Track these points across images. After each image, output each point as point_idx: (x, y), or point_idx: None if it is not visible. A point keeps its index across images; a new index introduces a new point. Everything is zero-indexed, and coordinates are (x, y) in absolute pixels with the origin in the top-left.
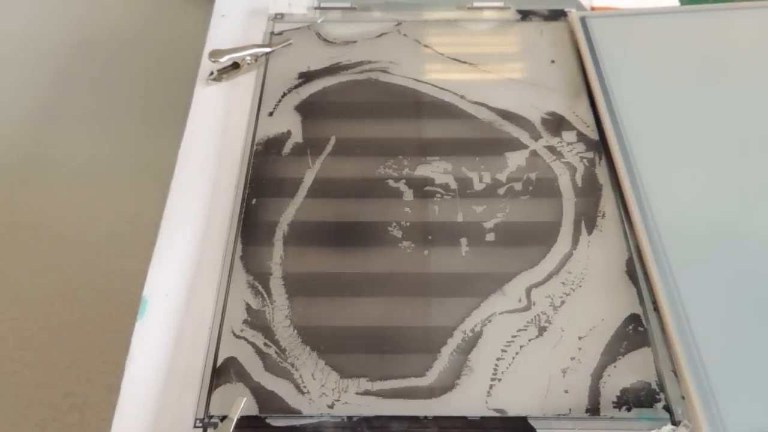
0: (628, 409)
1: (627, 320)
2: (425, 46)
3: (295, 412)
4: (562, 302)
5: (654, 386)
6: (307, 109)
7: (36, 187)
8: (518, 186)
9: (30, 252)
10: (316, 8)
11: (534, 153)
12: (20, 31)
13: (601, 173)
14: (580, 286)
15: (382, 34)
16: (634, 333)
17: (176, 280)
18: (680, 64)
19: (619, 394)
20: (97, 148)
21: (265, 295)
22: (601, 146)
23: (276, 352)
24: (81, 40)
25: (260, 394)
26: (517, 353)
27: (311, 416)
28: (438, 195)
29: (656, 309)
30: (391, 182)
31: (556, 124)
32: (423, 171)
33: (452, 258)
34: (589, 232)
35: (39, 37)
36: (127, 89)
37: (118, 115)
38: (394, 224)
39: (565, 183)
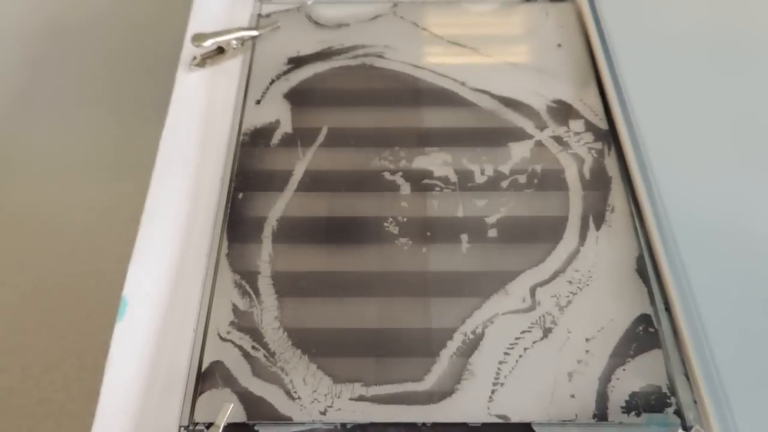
0: (638, 415)
1: (637, 321)
2: (423, 29)
3: (285, 419)
4: (569, 302)
5: (665, 390)
6: (296, 97)
7: (4, 180)
8: (522, 179)
9: None
10: None
11: (539, 143)
12: None
13: (611, 165)
14: (587, 285)
15: (376, 17)
16: (644, 334)
17: (158, 280)
18: (694, 49)
19: (628, 398)
20: (72, 138)
21: (253, 295)
22: (610, 136)
23: (265, 356)
24: (53, 22)
25: (248, 400)
26: (520, 356)
27: (302, 423)
28: (437, 188)
29: (668, 309)
30: (387, 175)
31: (563, 112)
32: (421, 163)
33: (452, 255)
34: (598, 228)
35: (8, 19)
36: (104, 75)
37: (93, 102)
38: (391, 219)
39: (572, 175)
